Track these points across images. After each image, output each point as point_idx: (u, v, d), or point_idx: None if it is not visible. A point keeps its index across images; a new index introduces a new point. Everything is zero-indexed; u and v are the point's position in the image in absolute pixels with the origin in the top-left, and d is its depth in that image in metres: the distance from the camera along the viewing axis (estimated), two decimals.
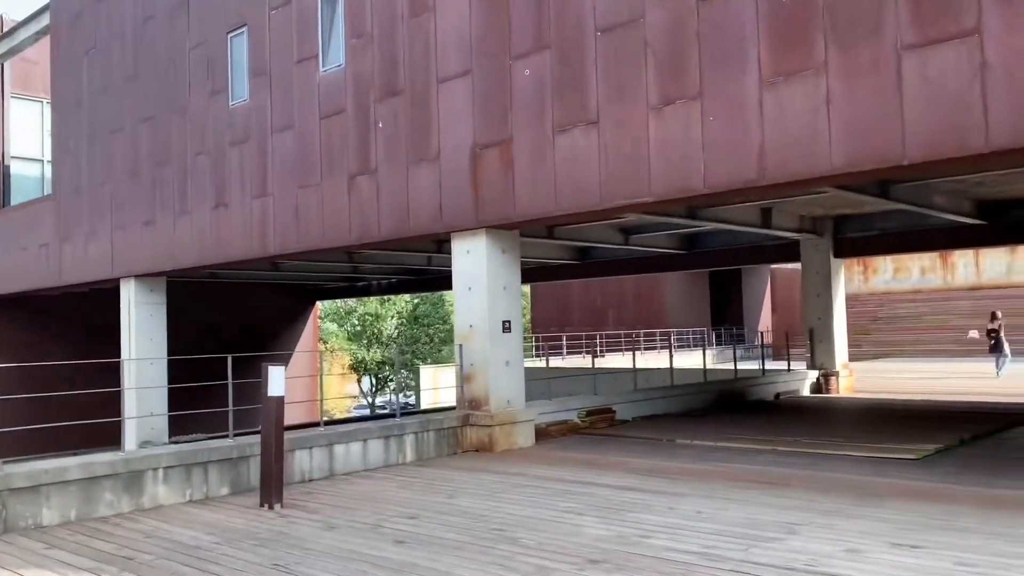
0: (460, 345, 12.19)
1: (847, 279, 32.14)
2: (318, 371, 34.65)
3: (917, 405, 16.50)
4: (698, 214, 16.27)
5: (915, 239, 19.11)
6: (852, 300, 34.83)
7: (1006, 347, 23.34)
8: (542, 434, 12.68)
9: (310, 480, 9.99)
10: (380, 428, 10.83)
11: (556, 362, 28.29)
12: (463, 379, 12.12)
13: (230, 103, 16.13)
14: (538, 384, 14.61)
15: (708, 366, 23.89)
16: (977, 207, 17.28)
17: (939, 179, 14.05)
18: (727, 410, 16.10)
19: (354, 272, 26.74)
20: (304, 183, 14.50)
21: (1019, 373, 23.01)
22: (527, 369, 12.68)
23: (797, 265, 48.99)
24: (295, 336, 32.83)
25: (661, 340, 37.28)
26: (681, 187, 9.73)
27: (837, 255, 20.16)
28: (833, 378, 19.68)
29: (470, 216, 11.96)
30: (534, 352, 35.57)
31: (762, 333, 21.42)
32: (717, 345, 41.55)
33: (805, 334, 20.43)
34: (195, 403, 16.72)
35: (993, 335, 23.26)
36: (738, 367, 18.28)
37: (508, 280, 12.20)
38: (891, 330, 39.93)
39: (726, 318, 47.61)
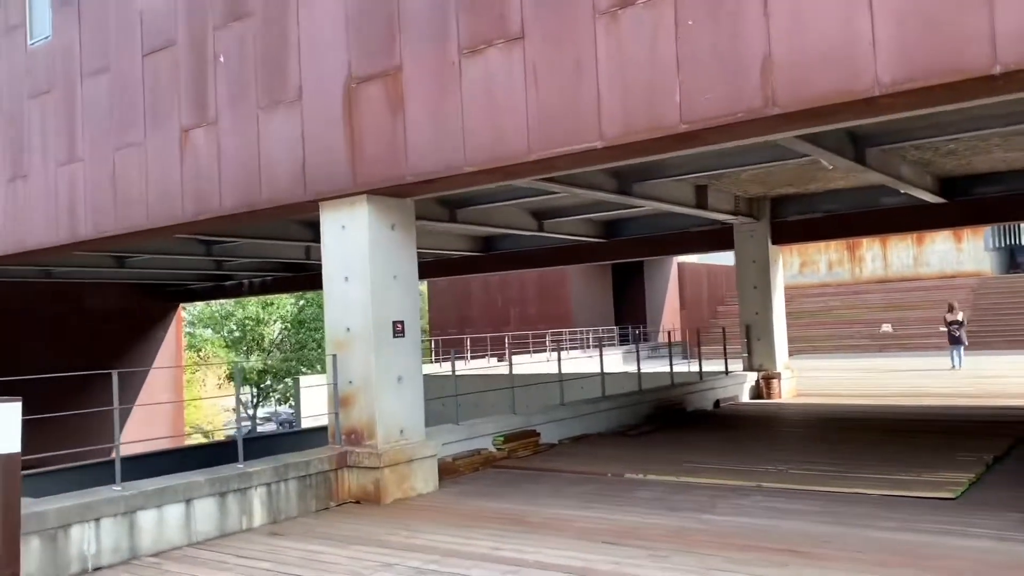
0: (334, 356, 8.89)
1: None
2: (182, 387, 30.44)
3: (885, 412, 14.16)
4: (630, 189, 13.52)
5: (864, 222, 16.88)
6: None
7: (965, 339, 22.21)
8: (448, 471, 9.53)
9: (97, 570, 6.53)
10: (211, 481, 7.42)
11: (459, 368, 25.07)
12: (338, 402, 8.83)
13: (28, 43, 12.28)
14: (438, 401, 11.42)
15: (621, 369, 21.28)
16: (940, 183, 15.18)
17: (911, 141, 11.71)
18: (668, 424, 13.33)
19: (218, 268, 22.86)
20: (123, 142, 10.86)
21: (968, 368, 21.38)
22: (426, 378, 9.51)
23: (695, 258, 47.24)
24: (154, 345, 28.49)
25: (570, 340, 34.66)
26: (647, 125, 6.76)
27: (776, 241, 17.78)
28: (775, 380, 17.28)
29: (345, 178, 8.68)
30: (432, 357, 32.32)
31: (699, 331, 18.79)
32: (623, 344, 39.32)
33: (741, 331, 17.99)
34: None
35: (956, 327, 21.67)
36: (642, 369, 15.11)
37: (400, 266, 8.99)
38: (801, 326, 38.42)
39: (628, 315, 45.45)
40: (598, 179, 12.72)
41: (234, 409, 51.02)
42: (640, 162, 11.45)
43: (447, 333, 40.36)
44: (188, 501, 7.21)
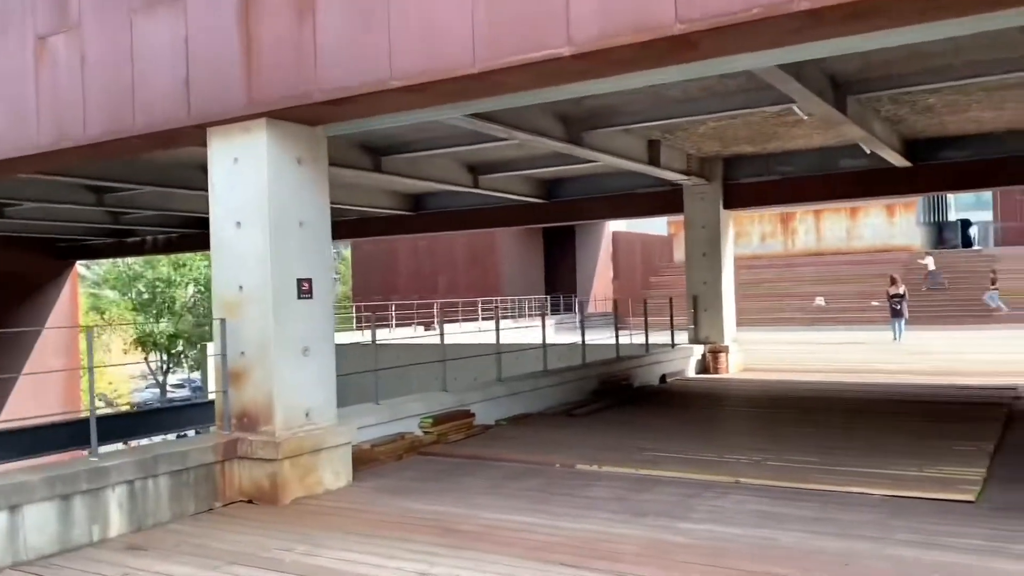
0: (222, 320, 7.15)
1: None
2: (79, 353, 27.80)
3: (846, 390, 13.11)
4: (580, 139, 12.03)
5: (822, 186, 15.75)
6: None
7: (906, 312, 21.90)
8: (364, 460, 7.93)
9: None
10: (49, 480, 5.64)
11: (382, 337, 23.20)
12: (227, 378, 7.12)
13: None
14: (357, 377, 9.74)
15: (553, 339, 19.89)
16: (906, 145, 14.12)
17: (894, 90, 10.52)
18: (616, 402, 11.98)
19: (115, 222, 20.54)
20: None
21: (907, 343, 20.73)
22: (341, 349, 7.87)
23: (628, 227, 46.11)
24: (45, 307, 25.86)
25: (501, 309, 33.17)
26: (631, 25, 5.20)
27: (728, 206, 16.57)
28: (722, 354, 16.16)
29: (239, 97, 6.89)
30: (355, 325, 30.44)
31: (645, 302, 17.36)
32: (554, 314, 38.08)
33: (688, 301, 16.79)
34: None
35: (898, 300, 21.16)
36: (587, 339, 13.56)
37: (308, 211, 7.28)
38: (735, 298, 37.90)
39: (559, 285, 44.17)
40: (544, 123, 11.20)
41: (143, 376, 48.10)
42: (598, 104, 9.98)
43: (371, 300, 38.41)
44: (14, 508, 5.44)
